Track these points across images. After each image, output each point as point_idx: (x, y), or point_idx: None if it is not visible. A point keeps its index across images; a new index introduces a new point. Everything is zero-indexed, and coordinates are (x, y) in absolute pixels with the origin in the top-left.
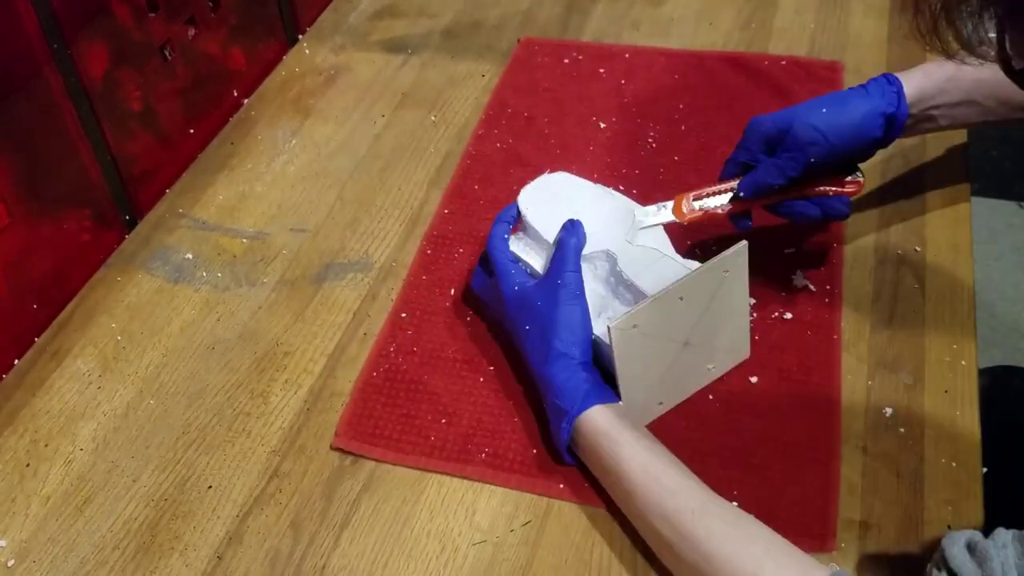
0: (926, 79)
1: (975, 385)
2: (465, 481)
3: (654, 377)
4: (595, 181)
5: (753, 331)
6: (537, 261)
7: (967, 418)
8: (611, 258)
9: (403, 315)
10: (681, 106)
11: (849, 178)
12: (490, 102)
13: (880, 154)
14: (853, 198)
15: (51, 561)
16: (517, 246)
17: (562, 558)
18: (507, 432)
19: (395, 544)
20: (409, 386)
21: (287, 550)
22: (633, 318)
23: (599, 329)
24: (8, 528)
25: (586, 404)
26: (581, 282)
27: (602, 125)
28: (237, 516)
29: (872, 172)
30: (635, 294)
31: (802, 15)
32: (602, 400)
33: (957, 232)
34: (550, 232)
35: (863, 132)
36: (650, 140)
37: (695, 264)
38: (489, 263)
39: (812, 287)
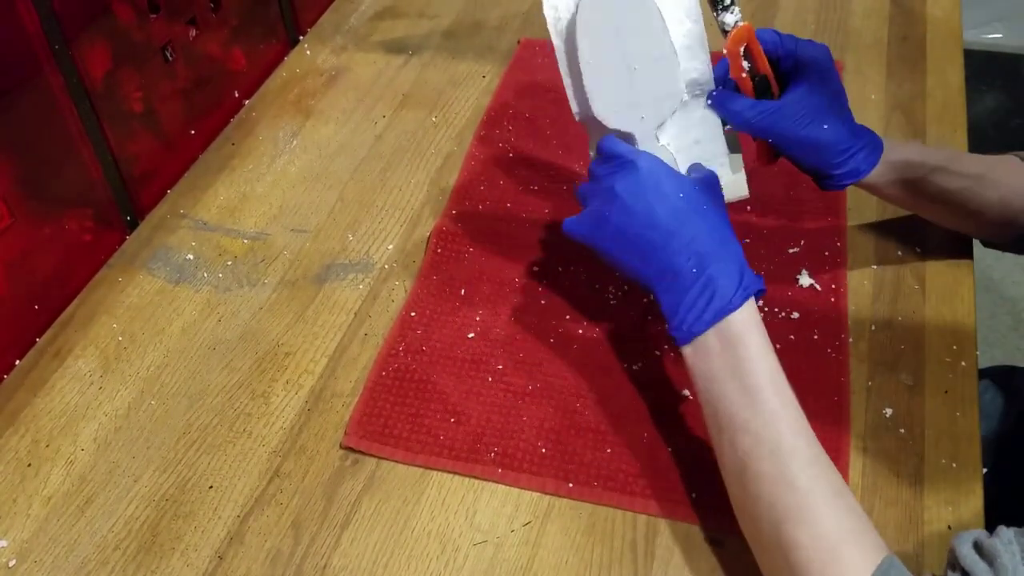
0: (920, 157)
1: (975, 386)
2: (466, 481)
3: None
4: None
5: None
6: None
7: (967, 418)
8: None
9: (412, 314)
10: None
11: None
12: (491, 103)
13: None
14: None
15: (52, 561)
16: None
17: (562, 558)
18: (516, 431)
19: (396, 544)
20: (418, 385)
21: (288, 550)
22: None
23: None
24: (9, 528)
25: (757, 285)
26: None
27: None
28: (238, 516)
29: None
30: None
31: (802, 15)
32: (762, 290)
33: (957, 232)
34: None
35: (822, 166)
36: None
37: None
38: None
39: (818, 287)
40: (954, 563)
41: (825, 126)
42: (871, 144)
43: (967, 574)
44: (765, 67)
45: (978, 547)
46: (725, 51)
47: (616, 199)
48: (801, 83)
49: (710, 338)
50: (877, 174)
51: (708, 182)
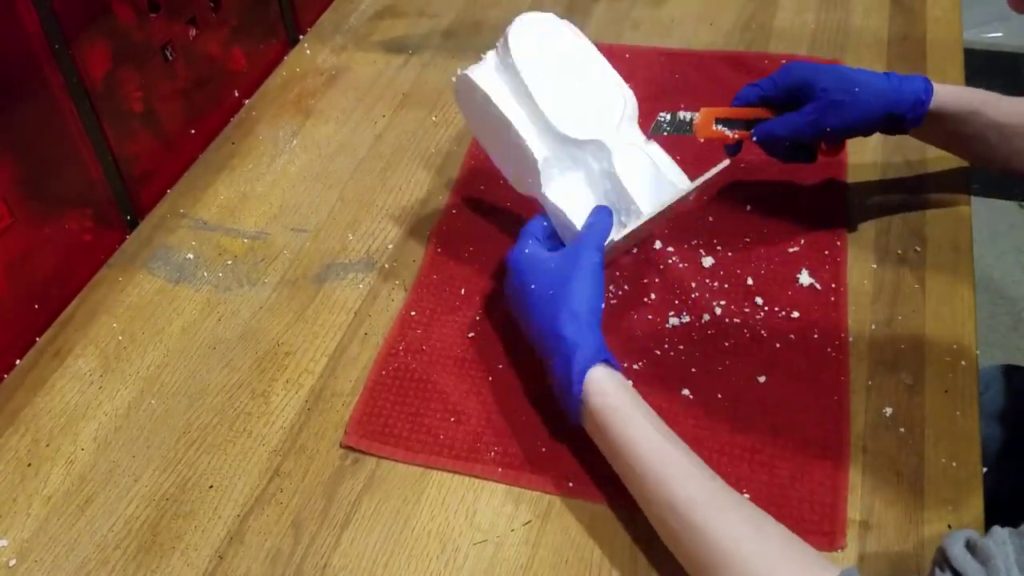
0: (958, 101)
1: (975, 385)
2: (466, 480)
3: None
4: None
5: (761, 329)
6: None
7: (967, 418)
8: (605, 153)
9: (412, 313)
10: (682, 105)
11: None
12: None
13: (880, 154)
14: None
15: (53, 560)
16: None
17: (562, 557)
18: (516, 431)
19: (396, 544)
20: (418, 385)
21: (288, 550)
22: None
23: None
24: (10, 528)
25: (599, 357)
26: (601, 265)
27: None
28: (238, 516)
29: (872, 172)
30: (625, 203)
31: (802, 15)
32: (612, 361)
33: (957, 232)
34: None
35: (879, 124)
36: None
37: (682, 178)
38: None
39: (818, 286)
40: (943, 563)
41: (856, 88)
42: (911, 82)
43: (958, 574)
44: (745, 113)
45: (971, 547)
46: (703, 140)
47: (509, 294)
48: (803, 91)
49: (587, 423)
50: (936, 111)
51: (581, 245)
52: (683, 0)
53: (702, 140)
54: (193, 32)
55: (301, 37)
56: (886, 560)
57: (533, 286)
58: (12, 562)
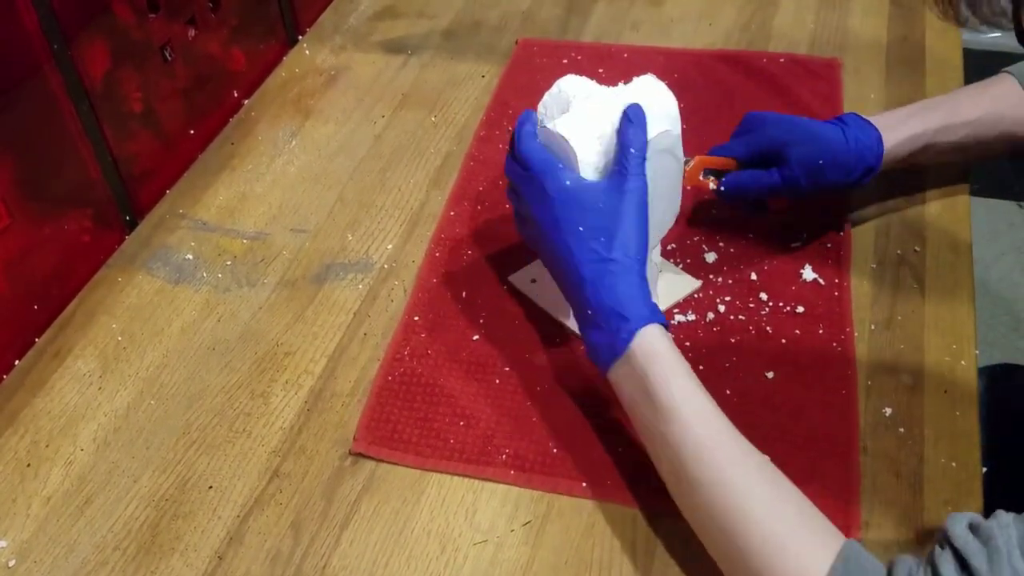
0: (921, 126)
1: (975, 385)
2: (465, 481)
3: None
4: None
5: (767, 325)
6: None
7: (967, 418)
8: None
9: (415, 318)
10: (681, 105)
11: None
12: (491, 103)
13: None
14: None
15: (52, 561)
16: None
17: (562, 558)
18: (526, 432)
19: (395, 544)
20: (425, 389)
21: (287, 550)
22: None
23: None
24: (9, 528)
25: (653, 319)
26: (646, 188)
27: None
28: (238, 516)
29: None
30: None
31: (802, 15)
32: (663, 322)
33: (957, 232)
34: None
35: (841, 185)
36: None
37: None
38: (521, 160)
39: (821, 281)
40: (943, 541)
41: (820, 161)
42: (866, 142)
43: (959, 553)
44: (727, 164)
45: (973, 528)
46: (689, 187)
47: (537, 226)
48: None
49: (620, 367)
50: (889, 159)
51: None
52: (682, 0)
53: (688, 188)
54: (192, 32)
55: (300, 37)
56: (885, 559)
57: (581, 228)
58: (11, 563)
